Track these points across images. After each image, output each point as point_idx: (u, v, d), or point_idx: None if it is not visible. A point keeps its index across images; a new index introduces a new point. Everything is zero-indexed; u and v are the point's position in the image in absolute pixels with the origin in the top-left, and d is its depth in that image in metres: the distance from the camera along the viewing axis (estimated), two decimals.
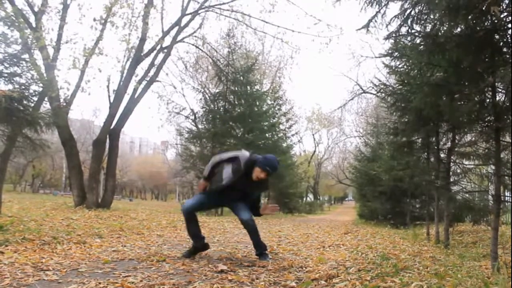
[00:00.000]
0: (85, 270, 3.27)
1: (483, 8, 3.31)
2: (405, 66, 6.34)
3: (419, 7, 3.94)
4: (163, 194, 63.95)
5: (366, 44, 37.66)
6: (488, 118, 4.34)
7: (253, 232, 4.18)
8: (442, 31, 3.91)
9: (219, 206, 4.39)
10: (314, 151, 44.31)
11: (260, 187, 4.22)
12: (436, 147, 6.97)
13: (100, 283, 2.87)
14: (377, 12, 4.16)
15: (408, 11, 4.01)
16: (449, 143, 6.80)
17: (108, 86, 13.13)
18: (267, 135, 19.52)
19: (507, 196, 6.92)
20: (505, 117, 4.01)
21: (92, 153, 13.09)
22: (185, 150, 19.92)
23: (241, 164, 4.00)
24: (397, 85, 7.30)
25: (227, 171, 4.03)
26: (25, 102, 6.34)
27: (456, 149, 6.60)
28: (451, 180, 6.72)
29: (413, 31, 4.22)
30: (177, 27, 13.62)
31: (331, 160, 48.42)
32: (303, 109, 57.80)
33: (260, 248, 4.25)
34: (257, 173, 3.98)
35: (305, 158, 39.02)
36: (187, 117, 20.78)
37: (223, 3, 14.36)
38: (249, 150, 4.36)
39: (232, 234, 6.94)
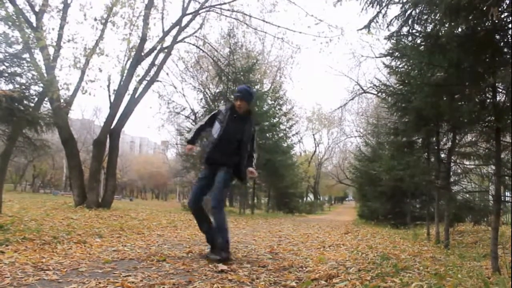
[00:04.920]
0: (85, 270, 3.28)
1: (484, 9, 3.31)
2: (405, 66, 6.33)
3: (420, 8, 3.94)
4: (163, 194, 64.01)
5: (367, 44, 37.55)
6: (489, 118, 4.34)
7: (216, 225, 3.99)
8: (443, 32, 3.91)
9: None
10: (315, 151, 44.33)
11: (246, 125, 4.16)
12: (436, 147, 6.97)
13: (100, 282, 2.87)
14: (378, 13, 4.16)
15: (409, 11, 4.01)
16: (450, 143, 6.80)
17: (108, 86, 13.12)
18: (267, 135, 19.52)
19: (507, 196, 6.92)
20: (506, 117, 4.00)
21: (93, 153, 13.08)
22: None
23: (224, 110, 4.16)
24: (397, 85, 7.29)
25: (216, 126, 4.12)
26: (25, 102, 6.35)
27: (456, 149, 6.59)
28: (452, 180, 6.72)
29: (414, 31, 4.22)
30: (177, 27, 13.61)
31: (332, 160, 48.43)
32: (304, 109, 57.76)
33: (220, 246, 3.94)
34: (236, 104, 4.10)
35: (306, 158, 39.03)
36: (187, 117, 20.80)
37: (224, 3, 14.36)
38: None
39: (232, 234, 6.93)
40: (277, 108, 22.21)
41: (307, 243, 6.26)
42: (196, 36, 15.01)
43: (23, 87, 6.35)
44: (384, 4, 4.13)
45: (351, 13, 6.40)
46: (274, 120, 20.73)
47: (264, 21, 15.03)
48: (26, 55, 6.84)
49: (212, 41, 17.89)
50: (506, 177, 4.75)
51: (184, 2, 13.93)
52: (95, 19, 11.42)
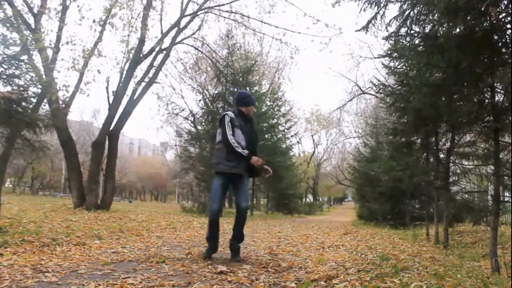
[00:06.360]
0: (84, 272, 3.27)
1: (482, 9, 3.31)
2: (404, 67, 6.35)
3: (418, 8, 3.95)
4: (162, 195, 63.93)
5: (365, 44, 37.75)
6: (487, 118, 4.34)
7: (243, 222, 4.35)
8: (441, 32, 3.91)
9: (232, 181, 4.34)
10: (313, 152, 44.35)
11: (254, 126, 4.56)
12: (435, 148, 6.97)
13: (99, 284, 2.87)
14: (376, 13, 4.17)
15: (407, 12, 4.01)
16: (448, 143, 6.80)
17: (107, 88, 13.13)
18: (266, 136, 19.51)
19: (507, 196, 6.93)
20: (504, 117, 4.01)
21: (91, 155, 13.08)
22: (184, 151, 19.92)
23: (234, 115, 4.29)
24: (396, 85, 7.31)
25: (237, 133, 4.23)
26: (24, 104, 6.32)
27: (455, 149, 6.60)
28: (451, 180, 6.72)
29: (412, 31, 4.22)
30: (176, 29, 13.62)
31: (330, 161, 48.47)
32: (302, 110, 57.62)
33: (240, 240, 4.38)
34: (251, 110, 4.49)
35: (305, 159, 39.07)
36: (186, 118, 20.79)
37: (222, 4, 14.38)
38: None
39: (231, 235, 6.93)
40: (275, 109, 22.23)
41: (306, 244, 6.26)
42: (194, 38, 15.03)
43: (22, 88, 6.32)
44: (382, 5, 4.13)
45: (350, 14, 6.42)
46: (273, 121, 20.74)
47: (262, 22, 15.05)
48: (25, 57, 6.82)
49: (210, 43, 17.93)
50: (505, 177, 4.76)
51: (183, 4, 13.96)
52: (94, 21, 11.44)
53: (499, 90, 4.11)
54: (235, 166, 4.16)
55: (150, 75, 13.44)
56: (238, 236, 4.33)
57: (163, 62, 13.83)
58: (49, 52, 10.44)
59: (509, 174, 4.72)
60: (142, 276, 3.18)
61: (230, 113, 4.29)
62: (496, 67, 3.84)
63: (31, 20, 10.53)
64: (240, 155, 4.14)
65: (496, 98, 4.07)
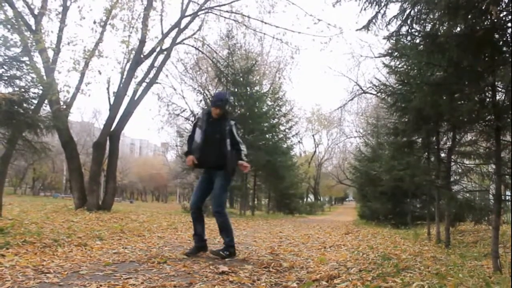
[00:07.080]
0: (86, 273, 3.27)
1: (483, 8, 3.31)
2: (404, 66, 6.34)
3: (419, 7, 3.94)
4: (163, 195, 64.00)
5: (366, 44, 37.62)
6: (488, 117, 4.34)
7: (220, 227, 4.35)
8: (442, 31, 3.91)
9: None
10: (314, 152, 44.35)
11: (222, 125, 4.42)
12: (436, 147, 6.97)
13: (101, 285, 2.87)
14: (377, 13, 4.16)
15: (408, 11, 4.01)
16: (450, 142, 6.79)
17: (108, 88, 13.14)
18: (267, 136, 19.51)
19: (508, 195, 6.91)
20: (505, 116, 4.00)
21: (93, 156, 13.08)
22: None
23: (202, 116, 4.50)
24: (397, 85, 7.29)
25: (197, 132, 4.43)
26: (25, 105, 6.34)
27: (456, 148, 6.59)
28: (452, 179, 6.71)
29: (413, 30, 4.21)
30: (176, 29, 13.62)
31: (331, 161, 48.40)
32: (303, 109, 57.59)
33: (226, 250, 4.25)
34: (213, 111, 4.41)
35: (306, 159, 39.06)
36: (187, 118, 20.81)
37: (223, 4, 14.37)
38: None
39: None
40: (276, 109, 22.20)
41: (307, 244, 6.26)
42: (195, 38, 15.01)
43: (23, 90, 6.34)
44: (383, 4, 4.13)
45: (351, 14, 6.41)
46: (274, 121, 20.73)
47: (263, 21, 15.02)
48: (26, 58, 6.84)
49: (211, 43, 17.92)
50: (507, 176, 4.74)
51: (183, 4, 13.95)
52: (94, 22, 11.45)
53: (500, 89, 4.10)
54: (200, 160, 4.35)
55: (151, 75, 13.44)
56: (224, 243, 4.31)
57: (163, 62, 13.84)
58: (50, 53, 10.45)
59: (510, 173, 4.72)
60: (143, 276, 3.18)
61: (199, 114, 4.66)
62: (497, 65, 3.83)
63: (31, 21, 10.54)
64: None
65: (497, 97, 4.06)
